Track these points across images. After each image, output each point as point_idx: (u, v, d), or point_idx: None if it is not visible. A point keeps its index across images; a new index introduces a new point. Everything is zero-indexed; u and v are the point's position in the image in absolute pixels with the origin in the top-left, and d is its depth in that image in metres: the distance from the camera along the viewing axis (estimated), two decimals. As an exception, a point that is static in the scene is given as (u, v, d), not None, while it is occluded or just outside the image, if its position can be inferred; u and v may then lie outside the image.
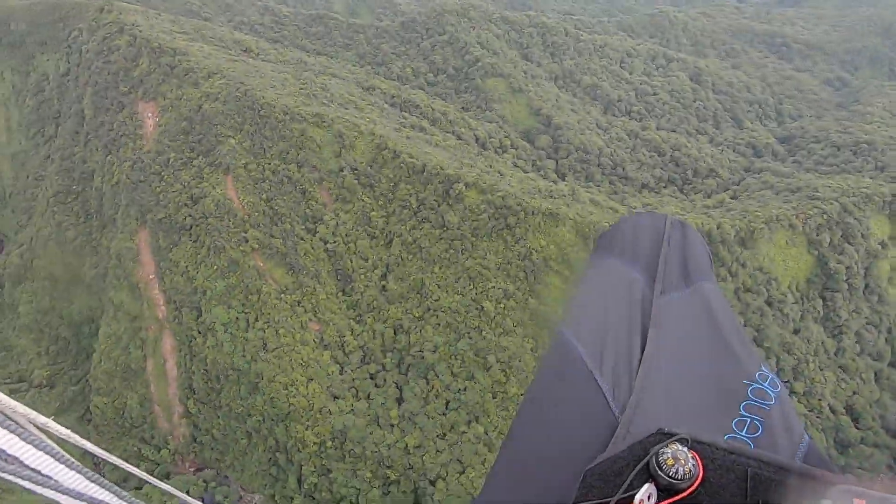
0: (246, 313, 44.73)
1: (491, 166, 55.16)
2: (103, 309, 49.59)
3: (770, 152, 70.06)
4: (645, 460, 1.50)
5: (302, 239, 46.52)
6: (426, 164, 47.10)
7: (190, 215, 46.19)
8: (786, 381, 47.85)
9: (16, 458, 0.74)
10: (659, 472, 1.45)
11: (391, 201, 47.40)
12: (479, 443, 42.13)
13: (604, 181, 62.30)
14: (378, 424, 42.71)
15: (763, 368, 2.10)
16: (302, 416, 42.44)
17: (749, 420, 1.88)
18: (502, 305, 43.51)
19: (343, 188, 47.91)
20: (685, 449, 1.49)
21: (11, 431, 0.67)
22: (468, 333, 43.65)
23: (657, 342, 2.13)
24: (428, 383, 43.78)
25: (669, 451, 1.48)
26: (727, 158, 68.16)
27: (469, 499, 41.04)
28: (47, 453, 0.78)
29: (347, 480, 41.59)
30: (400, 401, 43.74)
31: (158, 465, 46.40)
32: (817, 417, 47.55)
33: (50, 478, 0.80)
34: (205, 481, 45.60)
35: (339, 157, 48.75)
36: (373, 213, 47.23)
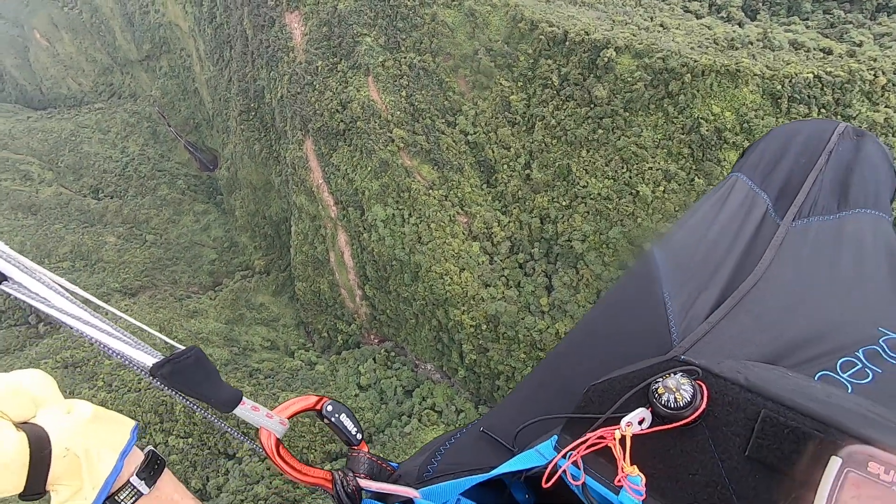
0: (400, 209, 47.07)
1: (652, 18, 45.07)
2: (291, 211, 57.17)
3: None
4: (641, 385, 1.41)
5: (443, 133, 45.51)
6: (568, 30, 40.33)
7: (342, 121, 48.20)
8: None
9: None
10: (654, 401, 1.36)
11: (531, 81, 42.59)
12: (633, 332, 40.18)
13: (816, 10, 46.59)
14: (529, 311, 43.27)
15: None
16: (458, 302, 45.05)
17: (860, 366, 1.61)
18: (661, 189, 37.85)
19: (479, 73, 44.34)
20: (685, 380, 1.36)
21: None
22: (621, 221, 39.60)
23: (769, 269, 1.84)
24: (577, 272, 42.01)
25: (667, 380, 1.37)
26: None
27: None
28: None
29: (503, 359, 44.10)
30: (550, 289, 43.21)
31: (350, 335, 55.11)
32: None
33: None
34: (386, 351, 52.91)
35: (472, 38, 44.55)
36: (512, 97, 43.30)
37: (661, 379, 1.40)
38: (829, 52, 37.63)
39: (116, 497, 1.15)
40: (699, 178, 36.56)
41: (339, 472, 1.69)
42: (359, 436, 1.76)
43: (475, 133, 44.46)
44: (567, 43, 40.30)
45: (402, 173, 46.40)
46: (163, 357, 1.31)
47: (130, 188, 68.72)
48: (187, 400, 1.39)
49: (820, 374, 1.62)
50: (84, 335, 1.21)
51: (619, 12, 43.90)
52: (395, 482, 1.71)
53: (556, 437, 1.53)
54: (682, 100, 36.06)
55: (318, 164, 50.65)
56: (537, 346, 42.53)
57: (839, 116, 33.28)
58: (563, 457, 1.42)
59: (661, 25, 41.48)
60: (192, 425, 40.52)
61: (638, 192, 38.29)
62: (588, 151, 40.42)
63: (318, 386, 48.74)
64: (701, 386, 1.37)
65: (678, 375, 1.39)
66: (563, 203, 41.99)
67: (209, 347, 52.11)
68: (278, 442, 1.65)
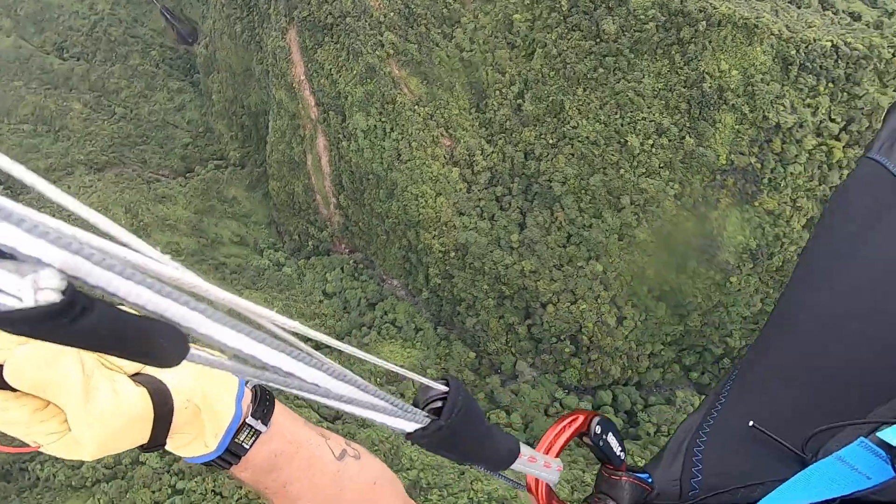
0: (383, 122, 45.03)
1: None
2: (270, 104, 54.22)
3: None
4: None
5: (437, 45, 42.35)
6: (588, -52, 36.40)
7: (330, 13, 44.20)
8: None
9: (290, 374, 0.74)
10: None
11: (539, 1, 39.14)
12: (595, 279, 41.14)
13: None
14: (499, 245, 43.60)
15: None
16: (430, 226, 44.98)
17: None
18: (650, 142, 36.73)
19: (485, -18, 40.49)
20: None
21: (276, 349, 0.70)
22: (604, 169, 38.81)
23: None
24: (552, 214, 41.87)
25: None
26: None
27: (577, 326, 42.33)
28: (309, 365, 0.77)
29: (467, 287, 45.17)
30: (522, 226, 43.24)
31: (321, 242, 55.24)
32: None
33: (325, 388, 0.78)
34: (355, 262, 53.53)
35: (483, -62, 40.03)
36: (515, 15, 39.92)
37: None
38: (858, 18, 35.17)
39: (236, 440, 1.11)
40: (690, 136, 35.52)
41: None
42: (622, 455, 1.46)
43: (471, 51, 41.57)
44: (584, -38, 36.59)
45: (388, 83, 43.79)
46: (426, 415, 0.96)
47: (99, 52, 63.63)
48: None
49: None
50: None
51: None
52: (653, 502, 1.45)
53: (873, 446, 1.14)
54: (692, 49, 33.87)
55: (301, 59, 47.27)
56: (501, 279, 43.47)
57: (846, 94, 31.93)
58: None
59: (691, -43, 37.63)
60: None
61: (626, 141, 37.18)
62: (584, 90, 38.45)
63: (283, 287, 49.66)
64: None
65: None
66: (550, 141, 40.70)
67: (176, 235, 51.86)
68: (550, 491, 1.37)
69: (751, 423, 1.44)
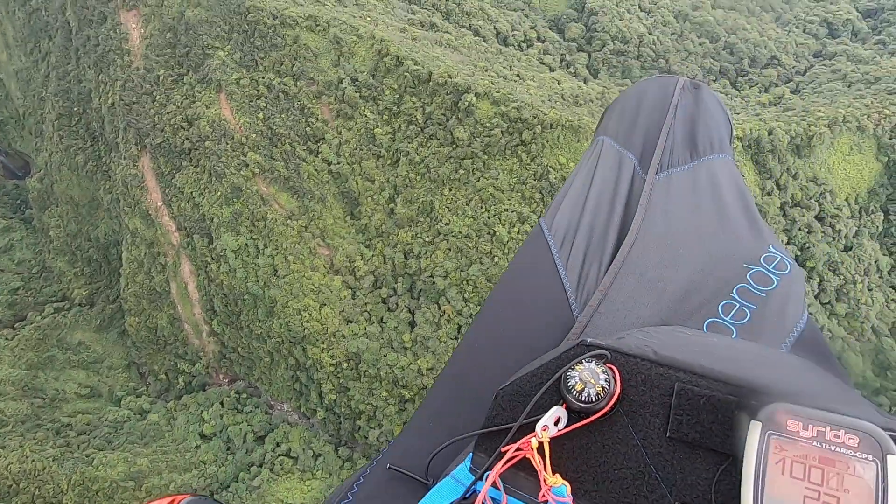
0: (255, 240, 43.58)
1: (511, 67, 48.23)
2: (123, 234, 49.80)
3: (850, 30, 58.19)
4: (548, 384, 1.31)
5: (304, 161, 43.37)
6: (432, 71, 41.27)
7: (187, 139, 43.43)
8: (827, 303, 43.83)
9: None
10: (568, 396, 1.27)
11: (396, 115, 42.68)
12: (491, 366, 41.76)
13: (642, 76, 54.12)
14: (392, 347, 42.67)
15: (772, 249, 1.83)
16: (317, 340, 42.80)
17: (738, 305, 1.65)
18: (516, 230, 40.21)
19: (343, 102, 43.25)
20: (596, 367, 1.28)
21: None
22: (480, 259, 41.17)
23: (642, 226, 1.90)
24: (440, 308, 42.60)
25: (577, 372, 1.28)
26: (794, 41, 57.19)
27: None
28: None
29: (364, 398, 42.75)
30: (413, 325, 43.11)
31: (195, 376, 49.23)
32: (857, 339, 44.06)
33: None
34: (237, 392, 48.26)
35: (337, 66, 43.39)
36: (377, 129, 42.92)
37: (572, 371, 1.28)
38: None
39: None
40: (548, 221, 39.56)
41: None
42: None
43: (339, 163, 43.15)
44: (431, 83, 41.20)
45: (257, 200, 43.13)
46: None
47: None
48: None
49: (708, 321, 1.62)
50: None
51: (482, 58, 46.23)
52: None
53: (471, 455, 1.36)
54: (534, 148, 38.87)
55: (158, 185, 44.95)
56: (399, 383, 42.02)
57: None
58: (481, 479, 1.26)
59: (518, 76, 44.55)
60: None
61: (495, 232, 40.18)
62: (450, 190, 41.49)
63: (148, 440, 42.51)
64: (612, 370, 1.29)
65: (590, 363, 1.28)
66: (427, 239, 42.44)
67: (1, 401, 42.63)
68: None
69: (388, 465, 1.59)
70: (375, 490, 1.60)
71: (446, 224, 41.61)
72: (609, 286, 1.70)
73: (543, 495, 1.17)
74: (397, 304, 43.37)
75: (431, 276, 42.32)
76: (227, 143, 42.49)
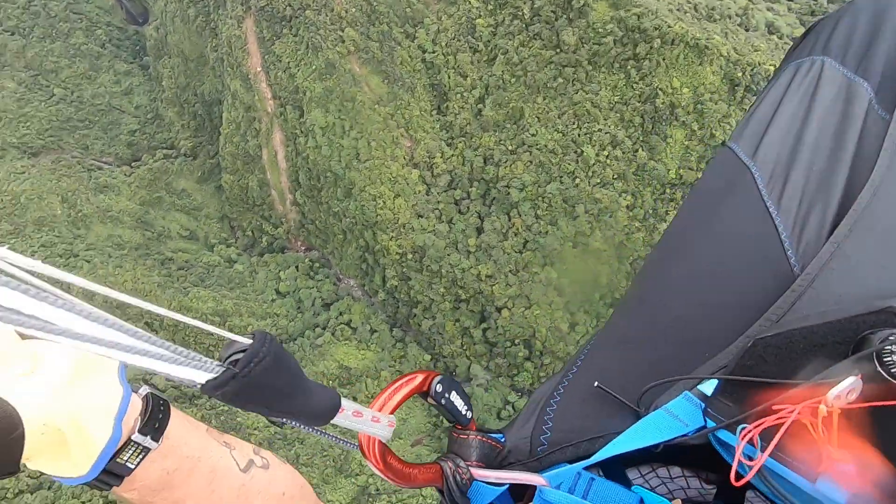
0: (342, 120, 44.20)
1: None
2: (224, 94, 52.22)
3: None
4: (859, 353, 1.11)
5: (399, 44, 41.86)
6: (551, -42, 36.81)
7: (289, 4, 42.90)
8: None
9: (33, 316, 0.65)
10: (880, 368, 1.06)
11: (501, 7, 39.23)
12: (549, 286, 41.93)
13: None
14: (456, 249, 43.71)
15: None
16: (387, 227, 44.59)
17: None
18: (605, 153, 37.67)
19: (449, -16, 40.29)
20: None
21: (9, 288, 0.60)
22: (560, 177, 39.51)
23: (887, 174, 1.52)
24: (510, 220, 42.31)
25: (893, 344, 1.07)
26: None
27: (531, 331, 43.04)
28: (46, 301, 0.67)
29: (423, 290, 45.09)
30: (480, 231, 43.51)
31: (276, 239, 53.81)
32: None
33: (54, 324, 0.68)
34: (311, 260, 52.46)
35: (449, -60, 39.79)
36: (478, 20, 39.95)
37: (886, 339, 1.11)
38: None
39: (118, 459, 0.95)
40: (643, 150, 36.61)
41: (449, 464, 1.42)
42: (469, 414, 1.45)
43: (434, 52, 41.31)
44: (547, -28, 36.98)
45: (349, 80, 42.99)
46: (219, 364, 0.89)
47: (36, 28, 59.48)
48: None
49: None
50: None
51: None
52: (505, 460, 1.50)
53: (693, 398, 1.27)
54: (647, 65, 34.86)
55: (258, 49, 45.73)
56: (458, 283, 43.62)
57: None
58: (728, 428, 1.17)
59: (649, -25, 38.65)
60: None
61: (583, 151, 37.95)
62: (544, 98, 38.95)
63: (234, 285, 48.11)
64: None
65: None
66: (510, 147, 41.04)
67: (118, 228, 49.34)
68: (384, 448, 1.31)
69: (595, 383, 1.53)
70: (575, 404, 1.58)
71: (533, 135, 39.71)
72: (844, 238, 1.46)
73: (824, 468, 1.04)
74: (468, 208, 43.54)
75: (507, 186, 41.56)
76: (327, 16, 41.63)
